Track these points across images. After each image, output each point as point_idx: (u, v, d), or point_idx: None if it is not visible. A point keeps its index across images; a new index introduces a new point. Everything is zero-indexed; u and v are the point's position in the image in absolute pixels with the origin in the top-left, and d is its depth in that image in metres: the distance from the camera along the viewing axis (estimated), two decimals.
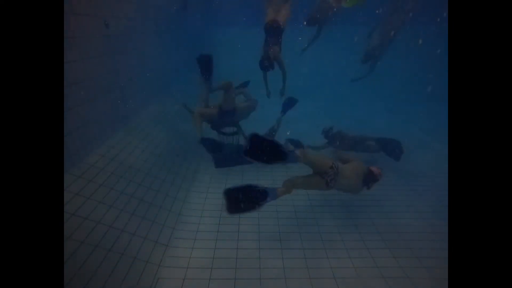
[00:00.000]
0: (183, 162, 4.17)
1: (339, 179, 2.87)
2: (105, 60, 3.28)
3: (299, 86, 6.87)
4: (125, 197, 2.86)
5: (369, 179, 3.05)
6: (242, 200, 2.59)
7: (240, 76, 5.08)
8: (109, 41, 3.34)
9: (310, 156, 2.84)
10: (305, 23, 4.92)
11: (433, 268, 2.66)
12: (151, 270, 2.44)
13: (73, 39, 2.64)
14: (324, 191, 3.07)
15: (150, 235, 2.72)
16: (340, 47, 8.66)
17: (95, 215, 2.43)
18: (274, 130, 4.82)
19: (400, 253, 2.84)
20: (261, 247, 2.85)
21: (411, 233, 3.13)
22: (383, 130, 5.20)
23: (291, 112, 5.11)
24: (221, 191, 3.71)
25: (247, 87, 5.02)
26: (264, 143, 2.50)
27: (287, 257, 2.74)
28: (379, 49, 5.39)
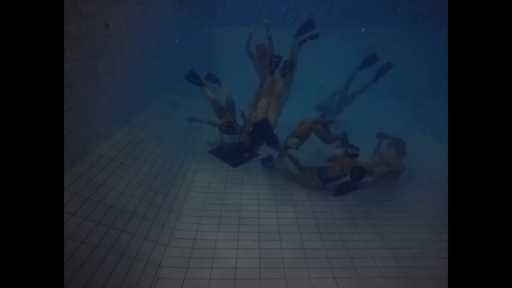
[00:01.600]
0: (183, 162, 4.17)
1: None
2: (105, 60, 3.28)
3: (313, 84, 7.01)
4: (125, 197, 2.86)
5: None
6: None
7: (238, 75, 5.13)
8: (109, 41, 3.35)
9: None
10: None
11: (433, 268, 2.66)
12: (151, 270, 2.44)
13: (73, 39, 2.65)
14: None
15: (150, 235, 2.72)
16: (353, 48, 8.79)
17: (95, 215, 2.43)
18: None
19: (400, 253, 2.84)
20: (261, 247, 2.85)
21: (411, 233, 3.14)
22: (383, 129, 5.20)
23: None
24: (221, 191, 3.78)
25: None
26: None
27: (287, 257, 2.74)
28: (332, 109, 6.21)
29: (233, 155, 4.67)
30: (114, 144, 3.40)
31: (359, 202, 3.65)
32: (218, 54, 9.04)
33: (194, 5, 7.31)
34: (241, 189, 3.86)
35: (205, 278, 2.46)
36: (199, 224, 3.13)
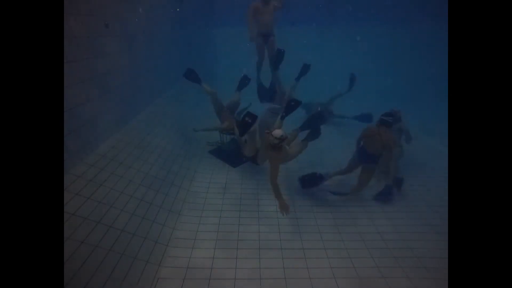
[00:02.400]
0: (183, 162, 4.17)
1: None
2: (105, 60, 3.28)
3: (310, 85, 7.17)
4: (125, 197, 2.86)
5: None
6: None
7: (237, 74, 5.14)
8: (109, 41, 3.34)
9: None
10: None
11: (433, 268, 2.67)
12: (151, 270, 2.44)
13: (73, 39, 2.64)
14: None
15: (150, 235, 2.72)
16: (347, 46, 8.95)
17: (95, 215, 2.43)
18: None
19: (400, 253, 2.84)
20: (261, 247, 2.85)
21: (411, 233, 3.14)
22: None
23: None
24: (221, 191, 3.78)
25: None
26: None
27: (287, 257, 2.74)
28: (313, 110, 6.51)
29: (233, 155, 4.67)
30: (114, 144, 3.40)
31: (359, 202, 3.65)
32: (218, 54, 9.07)
33: (194, 4, 7.32)
34: (241, 189, 3.86)
35: (205, 278, 2.46)
36: (199, 224, 3.13)
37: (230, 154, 4.70)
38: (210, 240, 2.90)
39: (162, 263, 2.55)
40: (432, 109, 7.06)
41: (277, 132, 3.13)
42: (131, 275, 2.29)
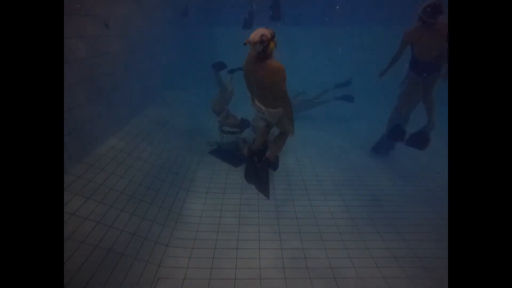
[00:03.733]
0: (183, 162, 4.17)
1: None
2: (105, 60, 3.28)
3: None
4: (125, 197, 2.86)
5: None
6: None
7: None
8: (109, 41, 3.35)
9: None
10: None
11: (433, 268, 2.66)
12: (151, 270, 2.44)
13: (73, 39, 2.65)
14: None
15: (150, 235, 2.73)
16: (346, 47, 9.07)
17: (95, 215, 2.43)
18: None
19: (400, 253, 2.84)
20: (261, 247, 2.85)
21: (411, 233, 3.14)
22: (380, 130, 5.23)
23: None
24: (221, 191, 3.78)
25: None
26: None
27: (287, 257, 2.74)
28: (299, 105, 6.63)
29: (233, 155, 4.67)
30: (114, 144, 3.40)
31: (359, 202, 3.65)
32: (218, 53, 9.10)
33: (198, 14, 7.37)
34: (241, 189, 3.86)
35: (205, 278, 2.46)
36: (199, 224, 3.13)
37: (230, 154, 4.70)
38: (210, 240, 2.90)
39: (162, 263, 2.55)
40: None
41: (254, 35, 2.38)
42: (131, 275, 2.29)
